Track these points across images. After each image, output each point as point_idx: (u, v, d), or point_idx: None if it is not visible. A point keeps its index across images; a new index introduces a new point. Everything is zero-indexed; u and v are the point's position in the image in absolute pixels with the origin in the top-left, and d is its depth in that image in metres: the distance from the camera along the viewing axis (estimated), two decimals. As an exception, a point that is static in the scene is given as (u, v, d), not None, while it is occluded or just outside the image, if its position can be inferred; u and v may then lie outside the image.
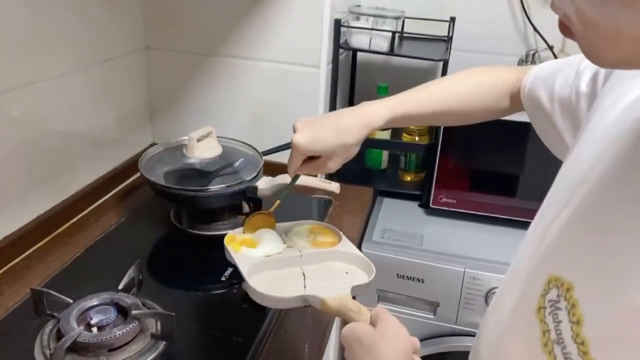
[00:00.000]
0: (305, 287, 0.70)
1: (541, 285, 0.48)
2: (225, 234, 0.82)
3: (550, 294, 0.46)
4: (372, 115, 0.77)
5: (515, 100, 0.77)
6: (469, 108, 0.81)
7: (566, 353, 0.42)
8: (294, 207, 1.19)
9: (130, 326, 0.75)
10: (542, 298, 0.47)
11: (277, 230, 0.82)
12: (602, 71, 0.59)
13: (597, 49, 0.37)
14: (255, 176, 1.07)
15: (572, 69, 0.65)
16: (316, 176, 1.27)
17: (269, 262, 0.75)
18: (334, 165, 0.78)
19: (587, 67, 0.62)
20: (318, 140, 0.75)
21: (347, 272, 0.75)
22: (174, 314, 0.75)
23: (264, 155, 1.14)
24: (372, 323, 0.61)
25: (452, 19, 1.36)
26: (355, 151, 0.78)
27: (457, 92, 0.81)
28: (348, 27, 1.26)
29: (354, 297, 0.68)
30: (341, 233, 0.82)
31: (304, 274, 0.73)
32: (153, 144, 1.33)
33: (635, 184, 0.42)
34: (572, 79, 0.64)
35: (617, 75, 0.55)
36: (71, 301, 0.79)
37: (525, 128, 1.20)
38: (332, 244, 0.80)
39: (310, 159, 0.79)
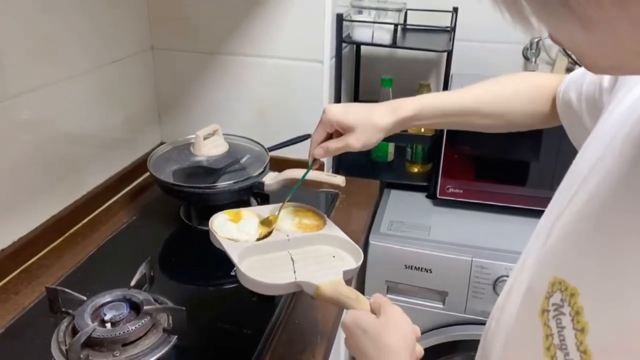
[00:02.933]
0: (295, 272, 0.71)
1: (545, 287, 0.46)
2: None
3: (554, 297, 0.45)
4: (402, 103, 0.78)
5: (554, 108, 0.75)
6: (504, 110, 0.78)
7: None
8: (301, 200, 1.20)
9: (143, 321, 0.77)
10: (546, 300, 0.46)
11: (261, 211, 0.84)
12: None
13: (587, 59, 0.36)
14: (262, 172, 1.08)
15: None
16: (322, 170, 1.29)
17: (257, 247, 0.76)
18: (356, 143, 0.77)
19: None
20: (349, 111, 0.77)
21: (334, 256, 0.76)
22: (184, 308, 0.77)
23: (269, 150, 1.15)
24: (374, 312, 0.61)
25: (455, 9, 1.36)
26: (379, 137, 0.78)
27: (491, 90, 0.79)
28: (350, 21, 1.26)
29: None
30: (325, 216, 0.83)
31: (292, 259, 0.74)
32: (162, 143, 1.35)
33: (638, 182, 0.41)
34: (597, 76, 0.63)
35: None
36: (85, 298, 0.81)
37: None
38: (317, 227, 0.81)
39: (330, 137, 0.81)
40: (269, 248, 0.76)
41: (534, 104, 0.78)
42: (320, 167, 1.31)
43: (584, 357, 0.40)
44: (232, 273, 0.94)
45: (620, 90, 0.54)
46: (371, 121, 0.76)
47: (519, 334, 0.52)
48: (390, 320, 0.58)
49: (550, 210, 0.54)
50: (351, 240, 0.77)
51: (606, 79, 0.61)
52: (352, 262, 0.74)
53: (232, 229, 0.80)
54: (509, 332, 0.54)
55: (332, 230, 0.80)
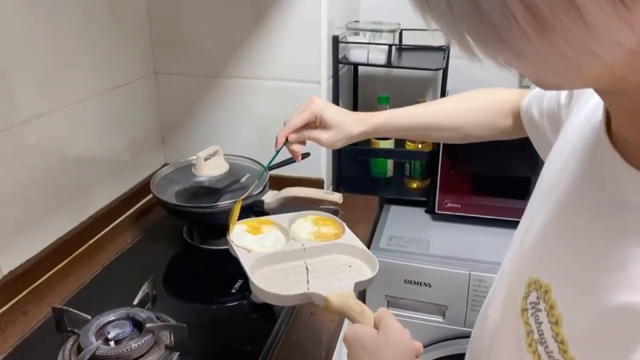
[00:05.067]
0: (308, 282, 0.71)
1: (523, 288, 0.50)
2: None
3: (531, 296, 0.49)
4: (371, 116, 0.86)
5: (518, 120, 0.79)
6: (464, 124, 0.84)
7: (549, 352, 0.45)
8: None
9: (145, 339, 0.79)
10: (524, 300, 0.50)
11: (280, 221, 0.83)
12: None
13: (532, 79, 0.40)
14: (262, 190, 1.11)
15: None
16: (322, 188, 1.32)
17: (272, 257, 0.75)
18: (327, 141, 0.83)
19: None
20: (331, 110, 0.83)
21: (350, 266, 0.75)
22: (185, 325, 0.79)
23: (269, 170, 1.18)
24: (376, 326, 0.62)
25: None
26: (345, 142, 0.85)
27: (453, 107, 0.86)
28: (346, 42, 1.30)
29: (363, 296, 0.69)
30: (344, 224, 0.82)
31: (307, 269, 0.74)
32: (165, 164, 1.38)
33: (597, 185, 0.44)
34: (555, 92, 0.66)
35: None
36: (90, 317, 0.83)
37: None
38: (336, 235, 0.80)
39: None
40: (284, 257, 0.76)
41: (491, 119, 0.83)
42: (319, 185, 1.34)
43: (561, 346, 0.43)
44: (233, 290, 0.98)
45: (576, 105, 0.57)
46: (346, 127, 0.83)
47: (503, 336, 0.54)
48: (389, 336, 0.59)
49: (524, 219, 0.58)
50: (367, 250, 0.76)
51: (563, 95, 0.64)
52: (368, 272, 0.73)
53: (249, 240, 0.80)
54: (494, 337, 0.57)
55: (349, 239, 0.79)
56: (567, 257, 0.46)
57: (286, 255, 0.76)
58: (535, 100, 0.73)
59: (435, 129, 0.86)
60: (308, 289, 0.69)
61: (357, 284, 0.70)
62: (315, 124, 0.84)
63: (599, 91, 0.40)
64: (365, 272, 0.73)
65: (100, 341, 0.79)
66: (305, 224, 0.84)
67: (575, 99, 0.59)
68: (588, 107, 0.52)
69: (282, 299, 0.70)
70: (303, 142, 0.86)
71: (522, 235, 0.56)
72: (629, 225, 0.40)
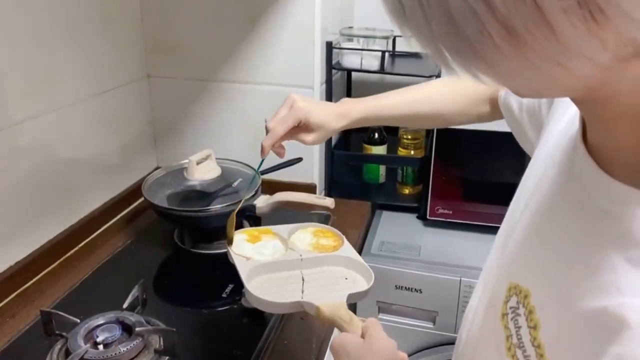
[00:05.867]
0: (302, 292, 0.71)
1: (503, 293, 0.52)
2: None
3: (511, 300, 0.50)
4: (350, 110, 0.85)
5: (496, 106, 0.80)
6: (440, 112, 0.86)
7: (527, 356, 0.46)
8: (294, 222, 1.23)
9: (134, 343, 0.78)
10: (504, 305, 0.51)
11: (280, 232, 0.84)
12: None
13: (508, 88, 0.40)
14: (254, 195, 1.11)
15: None
16: (315, 192, 1.32)
17: (268, 266, 0.76)
18: (311, 142, 0.83)
19: None
20: (315, 112, 0.82)
21: (346, 278, 0.76)
22: (175, 329, 0.79)
23: (261, 174, 1.18)
24: (363, 335, 0.62)
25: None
26: (327, 137, 0.85)
27: (429, 97, 0.86)
28: (339, 48, 1.31)
29: (354, 304, 0.69)
30: (344, 237, 0.83)
31: (303, 279, 0.74)
32: (157, 168, 1.38)
33: (574, 192, 0.46)
34: None
35: None
36: (78, 321, 0.83)
37: (512, 139, 1.23)
38: (334, 247, 0.81)
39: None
40: (281, 267, 0.76)
41: (469, 106, 0.84)
42: (311, 190, 1.34)
43: (538, 350, 0.44)
44: (224, 295, 0.97)
45: (558, 108, 0.58)
46: (330, 125, 0.82)
47: (485, 341, 0.55)
48: (373, 346, 0.59)
49: (505, 224, 0.59)
50: (364, 262, 0.77)
51: None
52: (364, 284, 0.74)
53: (248, 248, 0.80)
54: (477, 341, 0.57)
55: (347, 251, 0.80)
56: (546, 263, 0.47)
57: (283, 264, 0.77)
58: None
59: (414, 118, 0.87)
60: (302, 298, 0.69)
61: (350, 296, 0.70)
62: (299, 125, 0.82)
63: (573, 100, 0.41)
64: (361, 285, 0.74)
65: (88, 345, 0.78)
66: (305, 236, 0.84)
67: (557, 102, 0.59)
68: (567, 115, 0.53)
69: (275, 307, 0.70)
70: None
71: (503, 239, 0.57)
72: (603, 231, 0.41)
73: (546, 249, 0.47)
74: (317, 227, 0.87)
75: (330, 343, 0.62)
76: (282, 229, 0.85)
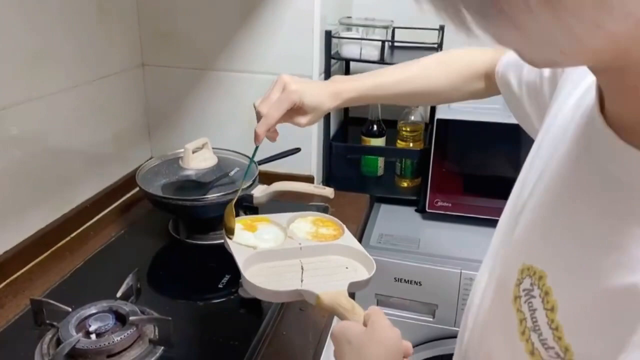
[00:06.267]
0: (302, 281, 0.69)
1: (515, 275, 0.49)
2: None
3: (524, 283, 0.48)
4: (343, 89, 0.81)
5: (492, 82, 0.78)
6: (437, 90, 0.83)
7: (543, 339, 0.44)
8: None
9: (128, 332, 0.76)
10: (517, 287, 0.49)
11: (279, 220, 0.81)
12: None
13: (526, 57, 0.38)
14: (251, 185, 1.09)
15: None
16: (312, 182, 1.30)
17: (266, 254, 0.73)
18: (306, 124, 0.80)
19: None
20: (309, 94, 0.78)
21: (347, 267, 0.73)
22: (170, 318, 0.76)
23: (259, 164, 1.16)
24: (365, 324, 0.60)
25: (442, 27, 1.39)
26: (321, 117, 0.82)
27: (425, 74, 0.83)
28: (338, 37, 1.28)
29: (352, 294, 0.67)
30: (344, 226, 0.80)
31: (302, 267, 0.72)
32: (151, 159, 1.35)
33: (590, 166, 0.43)
34: None
35: None
36: (70, 310, 0.80)
37: (516, 130, 1.22)
38: (334, 237, 0.78)
39: None
40: (279, 255, 0.74)
41: (465, 83, 0.82)
42: (310, 180, 1.32)
43: (555, 333, 0.42)
44: (220, 286, 0.95)
45: (565, 87, 0.56)
46: (324, 106, 0.79)
47: (495, 325, 0.53)
48: (375, 333, 0.57)
49: (511, 207, 0.57)
50: (365, 251, 0.74)
51: (547, 68, 0.63)
52: (365, 273, 0.71)
53: (248, 236, 0.78)
54: (485, 327, 0.55)
55: (347, 241, 0.77)
56: (563, 242, 0.45)
57: (282, 253, 0.74)
58: (513, 67, 0.72)
59: (410, 95, 0.84)
60: (301, 286, 0.67)
61: (351, 284, 0.68)
62: (292, 108, 0.79)
63: (596, 68, 0.39)
64: (362, 274, 0.71)
65: (80, 334, 0.76)
66: (304, 224, 0.82)
67: (564, 79, 0.57)
68: (578, 92, 0.51)
69: (273, 295, 0.68)
70: None
71: (513, 221, 0.54)
72: (626, 206, 0.39)
73: (562, 228, 0.45)
74: (316, 216, 0.84)
75: (330, 331, 0.60)
76: (281, 217, 0.82)
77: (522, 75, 0.69)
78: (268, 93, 0.77)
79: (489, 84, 0.80)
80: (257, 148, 0.81)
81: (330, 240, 0.77)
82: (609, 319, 0.38)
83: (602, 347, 0.38)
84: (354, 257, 0.75)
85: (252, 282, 0.67)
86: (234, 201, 0.80)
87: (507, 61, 0.74)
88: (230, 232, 0.77)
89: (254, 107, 0.79)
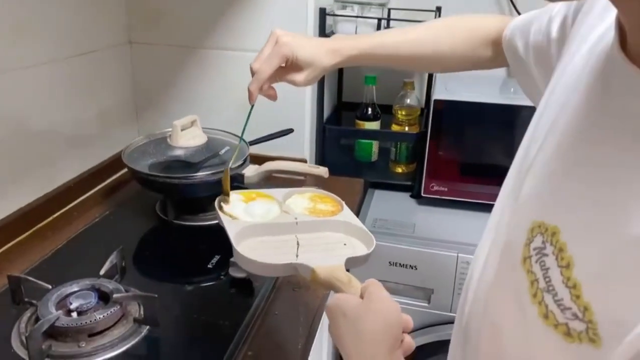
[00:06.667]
0: (297, 255, 0.65)
1: (524, 235, 0.46)
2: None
3: (535, 241, 0.45)
4: (345, 45, 0.77)
5: (499, 50, 0.75)
6: (442, 54, 0.79)
7: (558, 300, 0.40)
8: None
9: (112, 310, 0.72)
10: (526, 247, 0.46)
11: (275, 195, 0.77)
12: (570, 16, 0.58)
13: None
14: (242, 164, 1.05)
15: (545, 16, 0.64)
16: (306, 162, 1.26)
17: (260, 228, 0.69)
18: (303, 82, 0.75)
19: (559, 13, 0.61)
20: (304, 47, 0.73)
21: (345, 244, 0.69)
22: (156, 295, 0.72)
23: (250, 144, 1.12)
24: (362, 296, 0.56)
25: (438, 9, 1.36)
26: (320, 75, 0.77)
27: (432, 37, 0.79)
28: (333, 15, 1.25)
29: (347, 270, 0.63)
30: (343, 203, 0.77)
31: (298, 243, 0.68)
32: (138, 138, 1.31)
33: (609, 109, 0.41)
34: (544, 25, 0.63)
35: (581, 18, 0.54)
36: (50, 287, 0.76)
37: (514, 113, 1.19)
38: (332, 213, 0.74)
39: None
40: (274, 230, 0.70)
41: (472, 49, 0.78)
42: (303, 162, 1.28)
43: (573, 291, 0.39)
44: (210, 266, 0.91)
45: (572, 43, 0.53)
46: (321, 62, 0.74)
47: (501, 292, 0.50)
48: (372, 304, 0.53)
49: (516, 168, 0.54)
50: (364, 227, 0.70)
51: (554, 29, 0.61)
52: (363, 249, 0.68)
53: (239, 208, 0.74)
54: (490, 295, 0.52)
55: (346, 216, 0.73)
56: (578, 193, 0.42)
57: (276, 227, 0.70)
58: (520, 31, 0.69)
59: (412, 59, 0.80)
60: (296, 260, 0.63)
61: (349, 260, 0.64)
62: (286, 64, 0.75)
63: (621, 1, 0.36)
64: (361, 250, 0.68)
65: (61, 312, 0.71)
66: (302, 200, 0.78)
67: (571, 37, 0.55)
68: (589, 42, 0.49)
69: (265, 268, 0.63)
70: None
71: (519, 184, 0.51)
72: None
73: (577, 178, 0.42)
74: (314, 192, 0.80)
75: (325, 305, 0.56)
76: (277, 192, 0.78)
77: (528, 39, 0.67)
78: (261, 49, 0.73)
79: (495, 52, 0.77)
80: (252, 108, 0.76)
81: (328, 217, 0.73)
82: (634, 271, 0.35)
83: (627, 302, 0.35)
84: (352, 233, 0.71)
85: (243, 254, 0.63)
86: (229, 164, 0.76)
87: (515, 26, 0.72)
88: (226, 194, 0.73)
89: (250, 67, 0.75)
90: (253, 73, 0.73)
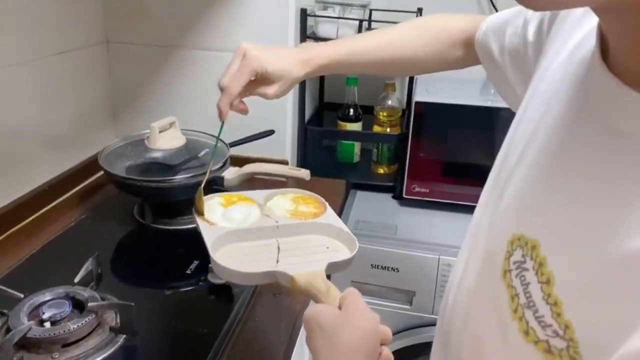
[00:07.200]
0: (277, 261, 0.63)
1: (504, 247, 0.45)
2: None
3: (515, 255, 0.44)
4: (315, 56, 0.75)
5: (471, 50, 0.74)
6: (413, 57, 0.78)
7: (539, 317, 0.39)
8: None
9: (86, 319, 0.70)
10: (506, 261, 0.45)
11: (256, 197, 0.75)
12: (547, 19, 0.57)
13: None
14: (222, 166, 1.03)
15: (520, 17, 0.63)
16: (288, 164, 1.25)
17: (238, 233, 0.67)
18: (274, 95, 0.73)
19: (534, 15, 0.60)
20: (274, 60, 0.71)
21: (328, 247, 0.67)
22: (133, 304, 0.71)
23: (230, 146, 1.10)
24: (340, 306, 0.54)
25: (420, 10, 1.35)
26: (292, 87, 0.75)
27: (403, 40, 0.78)
28: (314, 16, 1.24)
29: (329, 276, 0.62)
30: (326, 204, 0.75)
31: (278, 248, 0.66)
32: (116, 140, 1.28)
33: (590, 121, 0.40)
34: (520, 28, 0.62)
35: (559, 23, 0.53)
36: (22, 296, 0.74)
37: (494, 115, 1.19)
38: (315, 214, 0.72)
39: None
40: (254, 235, 0.67)
41: (442, 51, 0.77)
42: (285, 164, 1.27)
43: (554, 308, 0.38)
44: (188, 272, 0.89)
45: (551, 48, 0.52)
46: (291, 74, 0.73)
47: (482, 305, 0.49)
48: (349, 316, 0.51)
49: (497, 176, 0.53)
50: (348, 230, 0.69)
51: (531, 32, 0.60)
52: (346, 253, 0.66)
53: (217, 213, 0.71)
54: (470, 307, 0.51)
55: (329, 219, 0.71)
56: (558, 206, 0.41)
57: (256, 232, 0.68)
58: (494, 34, 0.68)
59: (384, 64, 0.79)
60: (276, 268, 0.61)
61: (330, 265, 0.62)
62: (256, 78, 0.72)
63: (600, 9, 0.35)
64: (344, 254, 0.66)
65: (33, 322, 0.69)
66: (284, 202, 0.75)
67: (550, 41, 0.54)
68: (568, 47, 0.48)
69: (243, 277, 0.61)
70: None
71: (498, 194, 0.50)
72: (634, 160, 0.35)
73: (557, 190, 0.41)
74: (297, 193, 0.78)
75: (303, 316, 0.55)
76: (259, 194, 0.76)
77: (504, 42, 0.66)
78: (229, 64, 0.71)
79: (467, 52, 0.75)
80: (222, 125, 0.74)
81: (311, 219, 0.71)
82: (619, 289, 0.34)
83: (610, 322, 0.34)
84: (335, 236, 0.69)
85: (220, 263, 0.61)
86: (203, 184, 0.74)
87: (488, 27, 0.70)
88: (201, 214, 0.71)
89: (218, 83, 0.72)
90: (222, 89, 0.70)
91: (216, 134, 1.11)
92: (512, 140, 0.52)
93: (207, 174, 0.80)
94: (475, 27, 0.73)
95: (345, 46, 0.77)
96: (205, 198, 0.73)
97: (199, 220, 0.69)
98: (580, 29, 0.48)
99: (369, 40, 0.79)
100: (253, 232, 0.68)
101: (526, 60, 0.61)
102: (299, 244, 0.68)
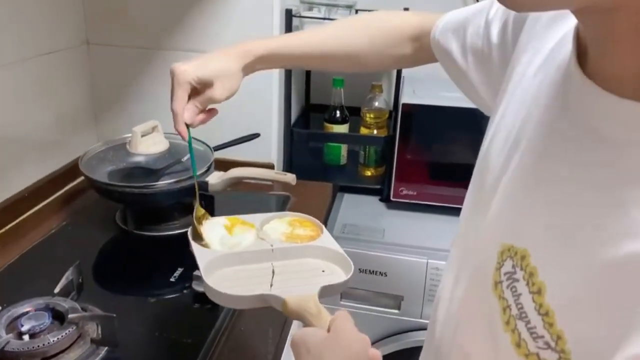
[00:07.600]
0: (271, 285, 0.62)
1: (494, 258, 0.44)
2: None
3: (505, 266, 0.43)
4: (253, 46, 0.75)
5: (422, 48, 0.72)
6: (357, 52, 0.76)
7: (531, 328, 0.39)
8: (251, 204, 1.14)
9: (67, 332, 0.68)
10: (497, 272, 0.44)
11: (253, 220, 0.73)
12: (511, 20, 0.56)
13: None
14: (206, 171, 1.01)
15: (481, 17, 0.61)
16: (273, 168, 1.23)
17: (233, 257, 0.66)
18: (221, 95, 0.72)
19: (496, 16, 0.59)
20: (203, 66, 0.70)
21: (323, 271, 0.66)
22: (115, 315, 0.69)
23: (215, 150, 1.08)
24: (329, 329, 0.52)
25: (406, 9, 1.34)
26: (240, 81, 0.74)
27: (343, 35, 0.77)
28: (300, 17, 1.22)
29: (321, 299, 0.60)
30: (323, 227, 0.73)
31: (273, 271, 0.65)
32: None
33: (571, 127, 0.39)
34: (482, 28, 0.61)
35: (529, 27, 0.52)
36: (0, 308, 0.71)
37: (482, 117, 1.19)
38: (311, 237, 0.71)
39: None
40: (249, 259, 0.66)
41: (389, 46, 0.75)
42: (271, 167, 1.25)
43: (545, 319, 0.37)
44: (172, 279, 0.87)
45: (524, 53, 0.51)
46: (229, 68, 0.72)
47: (472, 317, 0.48)
48: (337, 340, 0.50)
49: (481, 185, 0.52)
50: (343, 252, 0.67)
51: (494, 33, 0.59)
52: (342, 276, 0.64)
53: (217, 234, 0.70)
54: (460, 319, 0.50)
55: (325, 242, 0.69)
56: (546, 214, 0.40)
57: (251, 256, 0.66)
58: (454, 33, 0.66)
59: (325, 58, 0.77)
60: (267, 291, 0.59)
61: (324, 288, 0.60)
62: (196, 90, 0.72)
63: (582, 12, 0.34)
64: (339, 277, 0.64)
65: (11, 335, 0.67)
66: (280, 225, 0.74)
67: (521, 47, 0.52)
68: (543, 53, 0.47)
69: (236, 301, 0.60)
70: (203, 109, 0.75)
71: (484, 204, 0.49)
72: (618, 165, 0.35)
73: (542, 199, 0.41)
74: (294, 216, 0.76)
75: (291, 339, 0.53)
76: (254, 218, 0.74)
77: (465, 42, 0.64)
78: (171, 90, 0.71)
79: (417, 50, 0.73)
80: (190, 144, 0.75)
81: (307, 242, 0.70)
82: (610, 296, 0.33)
83: (602, 330, 0.33)
84: (331, 259, 0.67)
85: (211, 286, 0.59)
86: (197, 205, 0.72)
87: (445, 26, 0.68)
88: (200, 239, 0.69)
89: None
90: (172, 114, 0.71)
91: (199, 137, 1.11)
92: (491, 149, 0.51)
93: (196, 191, 0.78)
94: (427, 24, 0.71)
95: (284, 39, 0.78)
96: (212, 218, 0.72)
97: (193, 243, 0.68)
98: (553, 33, 0.47)
99: (310, 34, 0.78)
100: (247, 255, 0.67)
101: (491, 61, 0.59)
102: (294, 268, 0.66)
